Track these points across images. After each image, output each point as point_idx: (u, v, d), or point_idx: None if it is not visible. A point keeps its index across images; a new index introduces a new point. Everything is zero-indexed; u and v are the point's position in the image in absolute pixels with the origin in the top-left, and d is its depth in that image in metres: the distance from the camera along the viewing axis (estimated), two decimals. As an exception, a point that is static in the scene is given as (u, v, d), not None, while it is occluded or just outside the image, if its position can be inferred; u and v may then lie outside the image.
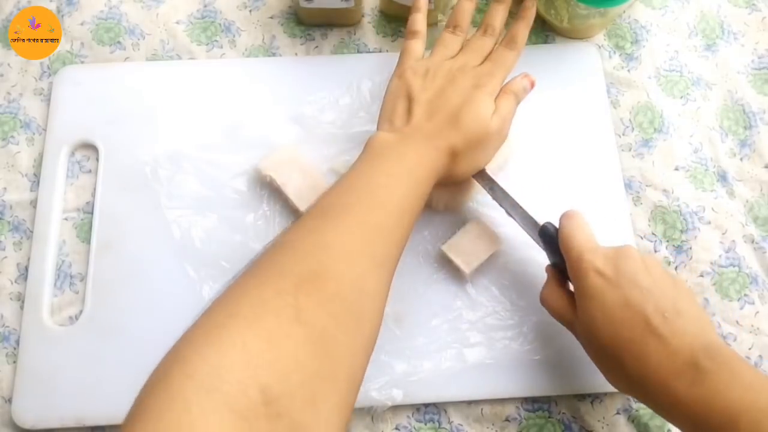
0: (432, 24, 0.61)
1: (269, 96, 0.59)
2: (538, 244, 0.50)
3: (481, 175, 0.51)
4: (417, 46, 0.52)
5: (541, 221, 0.49)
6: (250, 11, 0.63)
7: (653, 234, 0.56)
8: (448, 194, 0.54)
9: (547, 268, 0.49)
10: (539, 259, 0.54)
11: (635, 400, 0.51)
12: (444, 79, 0.49)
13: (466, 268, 0.52)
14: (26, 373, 0.51)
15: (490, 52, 0.52)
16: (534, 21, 0.62)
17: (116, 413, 0.49)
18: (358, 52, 0.62)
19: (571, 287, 0.46)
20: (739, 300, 0.54)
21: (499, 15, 0.53)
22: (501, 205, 0.51)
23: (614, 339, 0.41)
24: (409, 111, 0.48)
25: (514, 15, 0.63)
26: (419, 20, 0.54)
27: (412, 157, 0.45)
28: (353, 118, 0.58)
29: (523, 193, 0.55)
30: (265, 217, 0.55)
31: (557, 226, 0.47)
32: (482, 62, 0.51)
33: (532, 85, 0.51)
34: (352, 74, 0.59)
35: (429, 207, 0.55)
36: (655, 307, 0.41)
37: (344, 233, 0.40)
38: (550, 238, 0.48)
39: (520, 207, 0.50)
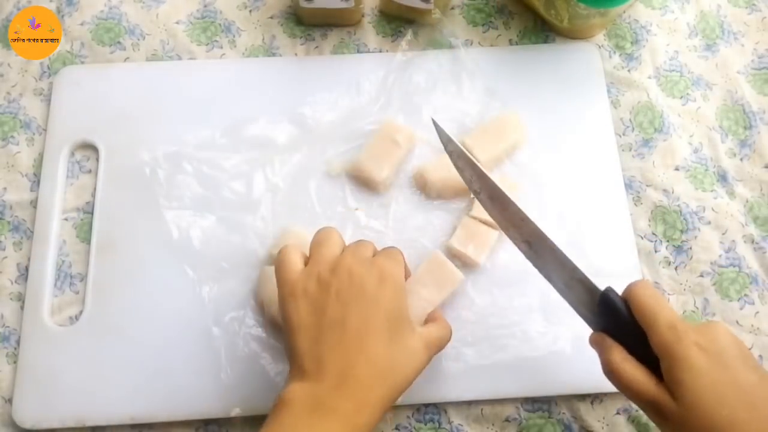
0: (432, 24, 0.61)
1: (269, 96, 0.59)
2: (579, 310, 0.44)
3: (519, 230, 0.46)
4: (292, 253, 0.44)
5: (600, 287, 0.43)
6: (250, 11, 0.63)
7: (653, 234, 0.56)
8: (441, 183, 0.54)
9: (598, 338, 0.43)
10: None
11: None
12: (346, 284, 0.42)
13: (477, 258, 0.52)
14: (26, 373, 0.51)
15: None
16: (534, 21, 0.63)
17: (116, 413, 0.50)
18: (358, 52, 0.62)
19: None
20: (739, 300, 0.54)
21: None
22: (538, 267, 0.46)
23: (727, 422, 0.37)
24: (317, 355, 0.40)
25: (513, 14, 0.63)
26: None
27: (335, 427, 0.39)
28: (353, 118, 0.58)
29: (523, 193, 0.55)
30: (264, 219, 0.55)
31: (617, 293, 0.43)
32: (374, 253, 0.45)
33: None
34: (352, 74, 0.59)
35: (423, 195, 0.56)
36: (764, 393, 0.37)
37: None
38: (612, 306, 0.42)
39: (578, 270, 0.44)
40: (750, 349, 0.53)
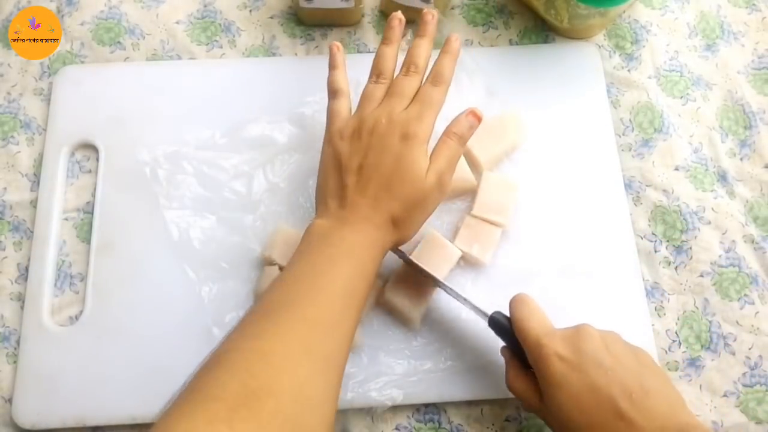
0: (432, 24, 0.61)
1: (269, 96, 0.59)
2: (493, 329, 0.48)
3: (423, 273, 0.50)
4: (341, 106, 0.49)
5: (489, 311, 0.48)
6: (250, 11, 0.63)
7: (653, 234, 0.56)
8: None
9: (503, 352, 0.48)
10: (539, 257, 0.54)
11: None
12: (371, 136, 0.46)
13: (483, 257, 0.52)
14: (26, 373, 0.51)
15: (417, 92, 0.48)
16: (534, 21, 0.63)
17: (116, 413, 0.50)
18: (358, 52, 0.62)
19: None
20: (739, 300, 0.54)
21: (422, 51, 0.49)
22: (450, 295, 0.50)
23: (585, 426, 0.40)
24: (342, 186, 0.45)
25: (513, 14, 0.63)
26: (339, 78, 0.50)
27: (352, 239, 0.44)
28: (353, 118, 0.58)
29: (523, 194, 0.55)
30: (264, 219, 0.55)
31: (506, 313, 0.47)
32: (409, 105, 0.47)
33: (479, 119, 0.48)
34: (352, 74, 0.59)
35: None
36: (622, 389, 0.40)
37: (284, 336, 0.38)
38: (501, 326, 0.47)
39: (468, 301, 0.49)
40: (750, 349, 0.53)
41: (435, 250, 0.51)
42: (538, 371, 0.43)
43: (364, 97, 0.49)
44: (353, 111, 0.49)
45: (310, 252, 0.44)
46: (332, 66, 0.51)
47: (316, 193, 0.48)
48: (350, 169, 0.45)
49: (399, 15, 0.51)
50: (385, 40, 0.51)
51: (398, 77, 0.49)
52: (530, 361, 0.44)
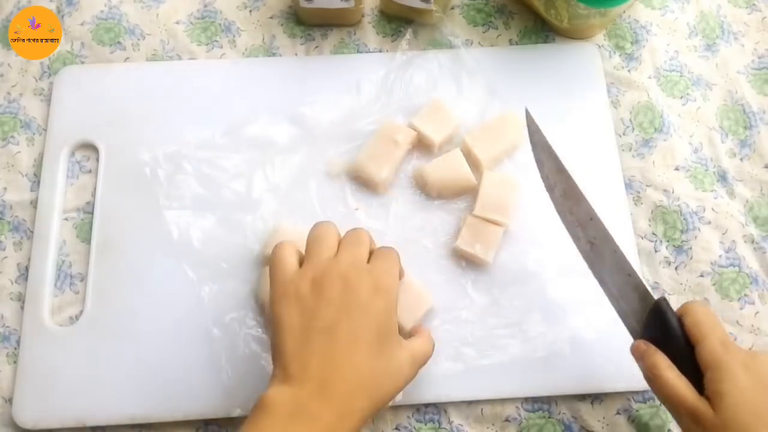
0: (432, 24, 0.61)
1: (269, 96, 0.59)
2: (626, 318, 0.45)
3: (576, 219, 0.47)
4: (288, 251, 0.43)
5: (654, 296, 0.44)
6: (250, 11, 0.63)
7: (653, 234, 0.56)
8: (441, 183, 0.54)
9: (642, 345, 0.43)
10: (539, 257, 0.54)
11: (635, 399, 0.51)
12: (337, 291, 0.41)
13: (486, 257, 0.52)
14: (26, 373, 0.51)
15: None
16: (534, 21, 0.63)
17: (116, 413, 0.50)
18: (358, 52, 0.62)
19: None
20: (739, 300, 0.54)
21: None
22: (595, 270, 0.46)
23: None
24: (303, 359, 0.40)
25: (513, 14, 0.63)
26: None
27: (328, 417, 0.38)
28: (353, 118, 0.58)
29: (523, 193, 0.55)
30: (264, 219, 0.55)
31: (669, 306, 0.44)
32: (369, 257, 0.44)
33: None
34: (352, 74, 0.59)
35: (423, 195, 0.56)
36: None
37: None
38: (662, 318, 0.43)
39: (636, 276, 0.44)
40: (750, 349, 0.53)
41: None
42: (720, 369, 0.40)
43: (313, 240, 0.44)
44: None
45: None
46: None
47: (273, 354, 0.42)
48: (311, 341, 0.40)
49: None
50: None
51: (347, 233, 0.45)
52: (707, 357, 0.40)
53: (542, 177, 0.48)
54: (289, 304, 0.41)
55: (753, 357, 0.41)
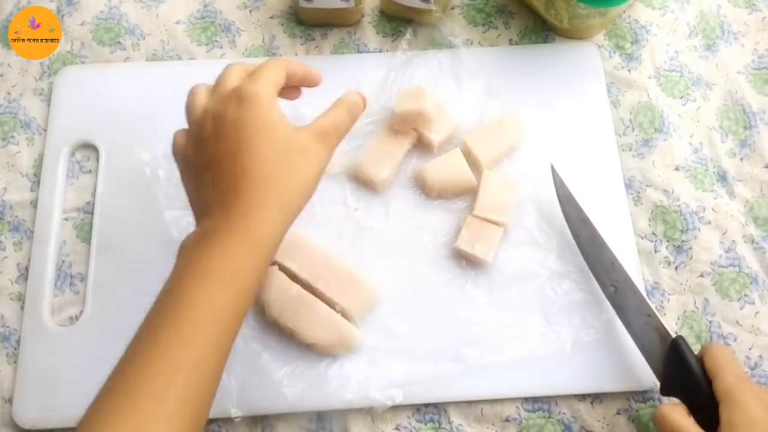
0: (432, 24, 0.61)
1: (269, 96, 0.59)
2: (649, 357, 0.47)
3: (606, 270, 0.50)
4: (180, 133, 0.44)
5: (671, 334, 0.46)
6: (250, 11, 0.63)
7: (653, 234, 0.56)
8: (441, 183, 0.54)
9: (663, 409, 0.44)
10: (539, 257, 0.54)
11: (635, 399, 0.51)
12: (206, 123, 0.41)
13: (485, 257, 0.52)
14: (26, 373, 0.51)
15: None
16: (534, 21, 0.63)
17: (116, 413, 0.50)
18: (358, 52, 0.62)
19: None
20: (739, 300, 0.54)
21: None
22: (619, 311, 0.49)
23: None
24: (205, 199, 0.40)
25: (513, 14, 0.63)
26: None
27: (217, 252, 0.38)
28: (353, 118, 0.58)
29: (523, 193, 0.55)
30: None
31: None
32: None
33: (364, 101, 0.45)
34: (352, 74, 0.59)
35: (423, 195, 0.56)
36: None
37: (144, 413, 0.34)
38: (680, 355, 0.45)
39: (656, 316, 0.47)
40: (750, 349, 0.53)
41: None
42: (733, 400, 0.41)
43: (190, 94, 0.44)
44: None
45: (179, 273, 0.39)
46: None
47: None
48: (198, 172, 0.41)
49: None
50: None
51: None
52: (722, 389, 0.42)
53: (569, 227, 0.52)
54: (186, 169, 0.42)
55: (763, 389, 0.42)
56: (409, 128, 0.56)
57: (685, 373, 0.45)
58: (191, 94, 0.44)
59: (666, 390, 0.46)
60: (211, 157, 0.40)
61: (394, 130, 0.56)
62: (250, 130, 0.39)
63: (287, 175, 0.39)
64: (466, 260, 0.53)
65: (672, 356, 0.45)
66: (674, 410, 0.44)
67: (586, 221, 0.51)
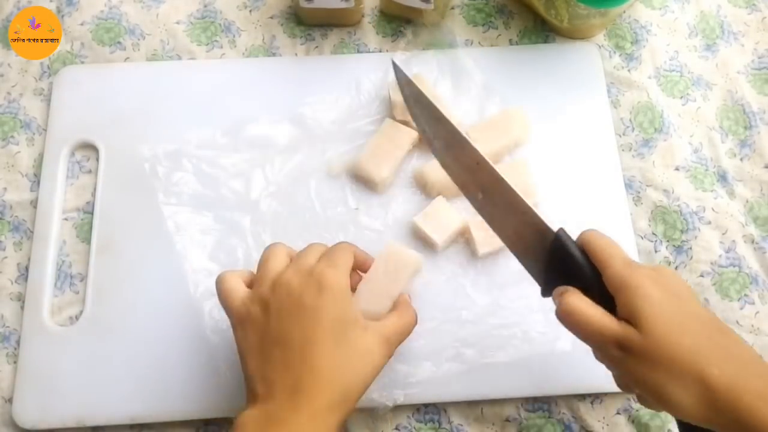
0: (432, 24, 0.61)
1: (269, 96, 0.59)
2: (529, 263, 0.43)
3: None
4: (231, 280, 0.44)
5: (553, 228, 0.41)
6: (250, 11, 0.63)
7: (653, 234, 0.56)
8: (441, 183, 0.54)
9: (559, 290, 0.41)
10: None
11: (636, 400, 0.51)
12: (280, 299, 0.41)
13: (436, 239, 0.51)
14: (26, 373, 0.51)
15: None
16: (534, 21, 0.63)
17: (116, 413, 0.50)
18: (358, 52, 0.62)
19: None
20: (739, 300, 0.54)
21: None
22: (489, 218, 0.44)
23: (695, 351, 0.36)
24: (265, 377, 0.40)
25: (513, 14, 0.63)
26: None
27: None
28: (353, 118, 0.58)
29: (522, 193, 0.55)
30: (263, 219, 0.55)
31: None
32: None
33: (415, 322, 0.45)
34: (352, 74, 0.59)
35: (423, 195, 0.55)
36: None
37: None
38: (564, 249, 0.40)
39: (533, 213, 0.42)
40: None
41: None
42: (629, 288, 0.38)
43: (261, 262, 0.44)
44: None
45: None
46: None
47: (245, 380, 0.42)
48: (270, 355, 0.40)
49: None
50: None
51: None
52: (614, 279, 0.39)
53: (419, 131, 0.46)
54: (243, 328, 0.42)
55: (657, 270, 0.39)
56: (410, 119, 0.55)
57: (570, 268, 0.40)
58: (269, 249, 0.44)
59: (549, 291, 0.42)
60: (283, 332, 0.40)
61: (396, 125, 0.56)
62: (325, 323, 0.40)
63: (354, 377, 0.41)
64: (422, 240, 0.53)
65: (555, 253, 0.41)
66: (583, 299, 0.39)
67: (440, 119, 0.45)
